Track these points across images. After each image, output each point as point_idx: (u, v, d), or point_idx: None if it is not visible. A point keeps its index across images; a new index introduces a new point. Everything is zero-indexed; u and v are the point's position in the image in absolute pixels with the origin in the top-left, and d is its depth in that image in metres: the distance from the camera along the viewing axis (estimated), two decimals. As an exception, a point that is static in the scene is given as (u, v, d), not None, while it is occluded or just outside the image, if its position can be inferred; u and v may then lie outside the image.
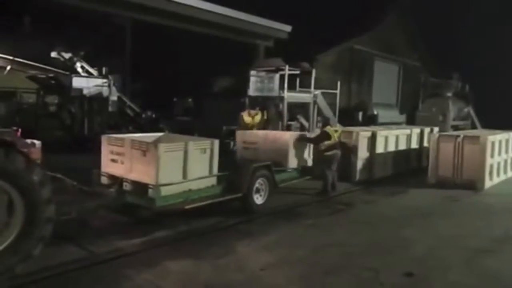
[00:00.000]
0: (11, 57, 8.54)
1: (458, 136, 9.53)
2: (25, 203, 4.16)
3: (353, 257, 5.14)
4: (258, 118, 9.91)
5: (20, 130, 4.99)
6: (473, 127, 18.80)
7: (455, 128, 17.24)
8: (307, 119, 12.73)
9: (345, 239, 5.78)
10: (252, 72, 12.49)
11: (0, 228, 4.09)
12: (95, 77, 12.35)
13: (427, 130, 11.61)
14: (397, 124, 16.71)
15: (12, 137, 4.38)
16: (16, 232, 4.14)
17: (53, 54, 11.97)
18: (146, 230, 5.70)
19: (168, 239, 5.54)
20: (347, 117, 15.24)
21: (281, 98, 11.72)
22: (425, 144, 11.15)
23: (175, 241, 5.52)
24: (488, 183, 9.30)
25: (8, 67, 7.40)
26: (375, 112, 18.49)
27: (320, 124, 10.19)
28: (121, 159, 6.01)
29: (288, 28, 16.47)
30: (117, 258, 4.88)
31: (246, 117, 9.85)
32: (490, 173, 9.46)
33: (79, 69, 12.22)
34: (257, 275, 4.58)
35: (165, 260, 4.85)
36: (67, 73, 11.39)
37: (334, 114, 13.63)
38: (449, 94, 19.01)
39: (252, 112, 10.03)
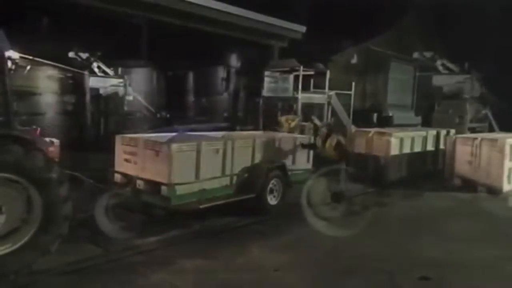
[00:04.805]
0: (30, 57, 8.68)
1: (475, 138, 9.34)
2: (43, 200, 4.24)
3: (368, 259, 5.09)
4: (294, 123, 9.83)
5: (39, 129, 5.10)
6: (491, 129, 18.42)
7: (472, 130, 16.90)
8: (321, 120, 12.65)
9: (359, 241, 5.72)
10: (267, 73, 12.49)
11: (19, 224, 4.18)
12: (111, 77, 12.52)
13: (443, 132, 11.43)
14: (412, 125, 16.47)
15: (31, 135, 4.47)
16: (34, 229, 4.22)
17: (71, 54, 12.18)
18: (161, 229, 5.74)
19: (183, 238, 5.57)
20: (362, 119, 15.09)
21: (295, 99, 11.69)
22: (441, 146, 10.98)
23: (189, 240, 5.55)
24: (506, 187, 9.10)
25: (28, 67, 7.59)
26: (390, 114, 18.26)
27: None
28: (134, 159, 6.08)
29: (302, 28, 16.42)
30: (132, 256, 4.93)
31: (285, 123, 9.73)
32: (509, 176, 9.24)
33: (96, 69, 12.40)
34: (271, 275, 4.58)
35: (179, 258, 4.89)
36: (85, 73, 11.58)
37: (349, 115, 13.52)
38: (466, 96, 18.64)
39: (290, 117, 9.92)
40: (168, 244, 5.35)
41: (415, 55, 13.44)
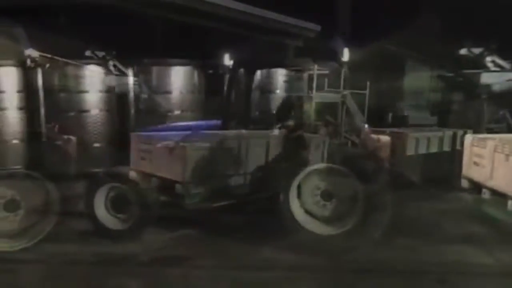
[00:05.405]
0: (49, 55, 8.86)
1: (493, 139, 9.03)
2: (61, 195, 4.34)
3: (383, 261, 5.05)
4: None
5: (57, 126, 5.21)
6: (509, 130, 18.03)
7: (490, 131, 16.58)
8: (336, 120, 12.57)
9: (373, 242, 5.67)
10: (281, 72, 12.48)
11: (38, 219, 4.29)
12: (126, 76, 12.65)
13: (460, 132, 11.25)
14: (428, 126, 16.27)
15: (50, 132, 4.58)
16: (53, 223, 4.33)
17: (87, 53, 12.36)
18: (173, 226, 5.81)
19: (195, 236, 5.62)
20: (376, 119, 14.95)
21: (309, 98, 11.64)
22: (458, 147, 10.80)
23: (202, 238, 5.59)
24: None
25: (47, 65, 7.78)
26: (406, 114, 18.06)
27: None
28: (150, 157, 6.14)
29: (317, 27, 16.37)
30: (144, 253, 4.99)
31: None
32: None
33: (112, 68, 12.54)
34: (284, 275, 4.58)
35: (192, 256, 4.93)
36: (103, 71, 11.74)
37: (363, 115, 13.41)
38: (484, 96, 18.30)
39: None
40: (181, 241, 5.40)
41: (463, 51, 12.72)
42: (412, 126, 14.80)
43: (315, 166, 5.53)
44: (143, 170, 6.19)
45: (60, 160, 8.85)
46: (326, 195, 5.56)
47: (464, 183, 8.49)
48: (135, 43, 12.79)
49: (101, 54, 12.43)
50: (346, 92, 12.60)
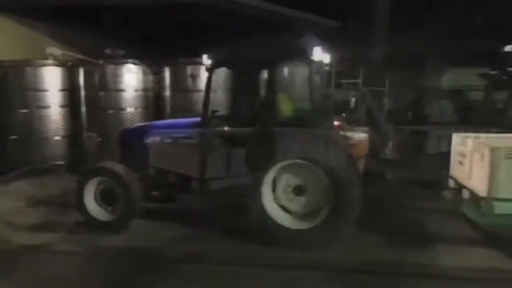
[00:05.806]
0: (70, 53, 9.11)
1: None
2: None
3: (382, 260, 4.99)
4: None
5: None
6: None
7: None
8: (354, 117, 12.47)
9: (373, 242, 5.58)
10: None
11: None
12: (146, 73, 12.82)
13: (482, 130, 10.97)
14: (450, 123, 15.95)
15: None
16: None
17: (107, 51, 12.58)
18: (180, 225, 5.92)
19: (201, 235, 5.69)
20: (397, 116, 14.75)
21: (328, 95, 11.56)
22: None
23: (209, 236, 5.65)
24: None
25: (69, 64, 7.96)
26: (427, 111, 17.76)
27: None
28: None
29: (336, 23, 16.21)
30: (150, 251, 5.15)
31: None
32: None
33: (131, 65, 12.71)
34: (284, 275, 4.61)
35: (197, 255, 5.03)
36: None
37: (383, 112, 13.26)
38: (509, 91, 17.77)
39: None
40: (186, 240, 5.50)
41: (509, 48, 12.20)
42: (435, 124, 14.55)
43: (286, 162, 5.43)
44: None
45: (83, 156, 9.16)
46: (298, 190, 5.40)
47: (451, 183, 8.12)
48: (159, 42, 12.95)
49: (120, 52, 12.65)
50: (365, 89, 12.48)
